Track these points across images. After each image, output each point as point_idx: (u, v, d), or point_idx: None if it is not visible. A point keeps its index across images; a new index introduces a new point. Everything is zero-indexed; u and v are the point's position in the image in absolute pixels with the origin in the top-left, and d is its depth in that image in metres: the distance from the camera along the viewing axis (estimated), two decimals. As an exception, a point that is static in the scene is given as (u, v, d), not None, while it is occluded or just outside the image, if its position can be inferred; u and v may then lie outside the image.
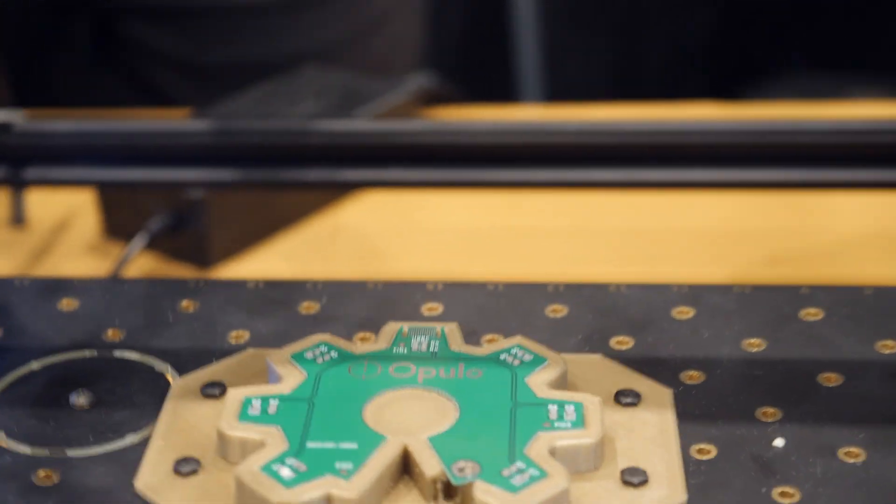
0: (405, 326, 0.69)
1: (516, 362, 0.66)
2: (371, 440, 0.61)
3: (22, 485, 0.62)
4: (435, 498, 0.60)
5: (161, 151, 0.76)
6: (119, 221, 1.01)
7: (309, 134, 0.75)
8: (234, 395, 0.64)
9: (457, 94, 1.13)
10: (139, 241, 0.95)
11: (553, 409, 0.63)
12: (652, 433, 0.64)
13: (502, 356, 0.66)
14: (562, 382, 0.65)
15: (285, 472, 0.59)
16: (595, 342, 0.71)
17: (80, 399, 0.67)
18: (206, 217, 0.96)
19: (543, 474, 0.59)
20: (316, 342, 0.67)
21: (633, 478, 0.61)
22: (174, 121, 0.89)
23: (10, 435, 0.65)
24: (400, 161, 0.73)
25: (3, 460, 0.63)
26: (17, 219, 1.04)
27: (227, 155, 0.77)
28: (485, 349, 0.67)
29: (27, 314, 0.74)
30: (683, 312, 0.73)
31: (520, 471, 0.59)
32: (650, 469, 0.61)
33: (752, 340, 0.70)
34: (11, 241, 1.01)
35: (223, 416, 0.63)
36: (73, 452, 0.64)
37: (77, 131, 0.75)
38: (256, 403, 0.63)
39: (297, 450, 0.61)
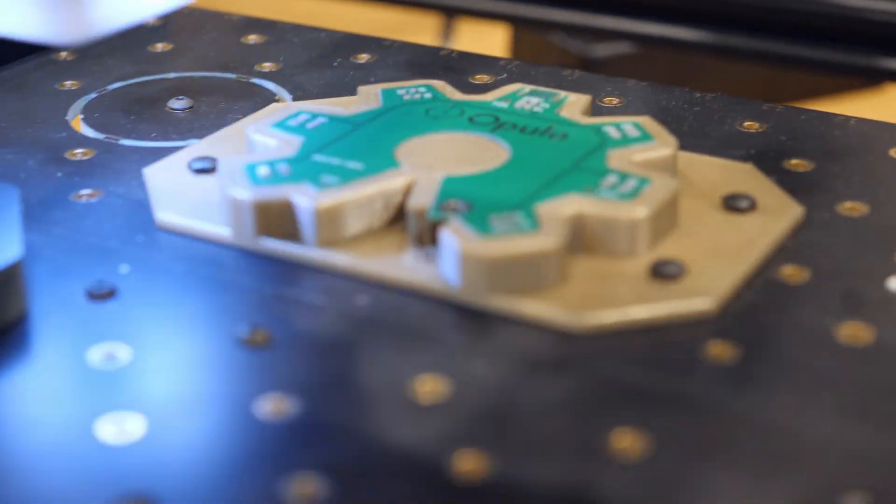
0: (527, 87, 0.57)
1: (617, 135, 0.53)
2: (381, 165, 0.51)
3: (57, 157, 0.57)
4: (420, 239, 0.48)
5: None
6: None
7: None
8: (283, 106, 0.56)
9: None
10: None
11: (611, 178, 0.49)
12: (737, 240, 0.49)
13: (606, 128, 0.53)
14: (663, 168, 0.51)
15: (262, 171, 0.50)
16: (769, 159, 0.55)
17: (177, 105, 0.62)
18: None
19: (531, 228, 0.46)
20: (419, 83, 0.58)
21: (660, 269, 0.47)
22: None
23: (87, 122, 0.60)
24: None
25: (69, 138, 0.59)
26: None
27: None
28: (594, 119, 0.54)
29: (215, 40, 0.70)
30: (903, 153, 0.56)
31: (509, 220, 0.47)
32: (694, 269, 0.47)
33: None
34: None
35: (260, 118, 0.55)
36: (126, 141, 0.58)
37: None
38: (303, 117, 0.55)
39: (298, 158, 0.51)
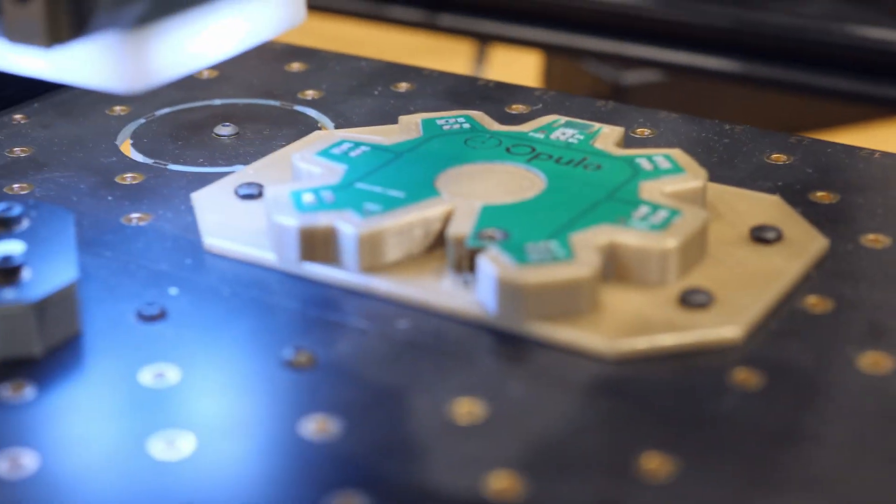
0: (562, 119, 0.59)
1: (649, 167, 0.54)
2: (422, 194, 0.53)
3: (108, 181, 0.60)
4: (458, 265, 0.50)
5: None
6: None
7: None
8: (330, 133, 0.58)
9: None
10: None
11: (643, 209, 0.51)
12: (763, 270, 0.50)
13: (639, 160, 0.55)
14: (693, 199, 0.53)
15: (307, 198, 0.52)
16: (795, 191, 0.57)
17: (223, 131, 0.64)
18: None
19: (566, 256, 0.48)
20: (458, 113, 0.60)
21: (690, 298, 0.49)
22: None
23: (136, 147, 0.63)
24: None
25: (118, 163, 0.61)
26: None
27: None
28: (627, 151, 0.56)
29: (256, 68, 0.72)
30: (927, 187, 0.58)
31: (545, 249, 0.49)
32: (722, 298, 0.49)
33: None
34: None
35: (304, 146, 0.57)
36: (174, 166, 0.61)
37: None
38: (346, 146, 0.57)
39: (341, 185, 0.53)
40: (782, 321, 0.48)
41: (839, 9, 0.99)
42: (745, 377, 0.45)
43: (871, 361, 0.46)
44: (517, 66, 1.48)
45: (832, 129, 1.36)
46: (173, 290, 0.51)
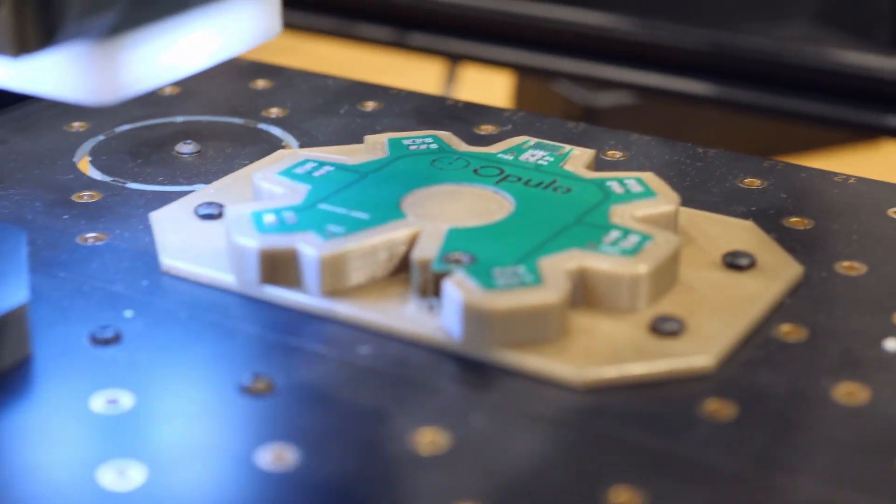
0: (532, 140, 0.58)
1: (620, 190, 0.53)
2: (387, 216, 0.51)
3: (64, 200, 0.58)
4: (423, 290, 0.49)
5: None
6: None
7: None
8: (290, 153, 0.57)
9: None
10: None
11: (614, 234, 0.50)
12: (736, 297, 0.49)
13: (609, 183, 0.54)
14: (664, 224, 0.52)
15: (269, 219, 0.51)
16: (769, 216, 0.56)
17: (184, 149, 0.62)
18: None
19: (534, 282, 0.47)
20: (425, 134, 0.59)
21: (661, 326, 0.47)
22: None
23: (95, 164, 0.61)
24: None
25: (76, 180, 0.60)
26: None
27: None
28: (598, 174, 0.55)
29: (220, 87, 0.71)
30: (902, 213, 0.57)
31: (512, 274, 0.47)
32: (694, 325, 0.47)
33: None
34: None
35: (267, 165, 0.56)
36: (133, 184, 0.59)
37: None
38: (310, 165, 0.55)
39: (304, 206, 0.52)
40: (755, 349, 0.47)
41: (814, 32, 0.99)
42: (716, 407, 0.44)
43: (846, 391, 0.45)
44: (487, 88, 1.47)
45: (807, 153, 1.36)
46: (128, 313, 0.49)
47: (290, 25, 1.03)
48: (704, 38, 0.96)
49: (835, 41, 0.93)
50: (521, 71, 1.17)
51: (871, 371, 0.46)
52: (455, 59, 1.12)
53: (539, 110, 1.09)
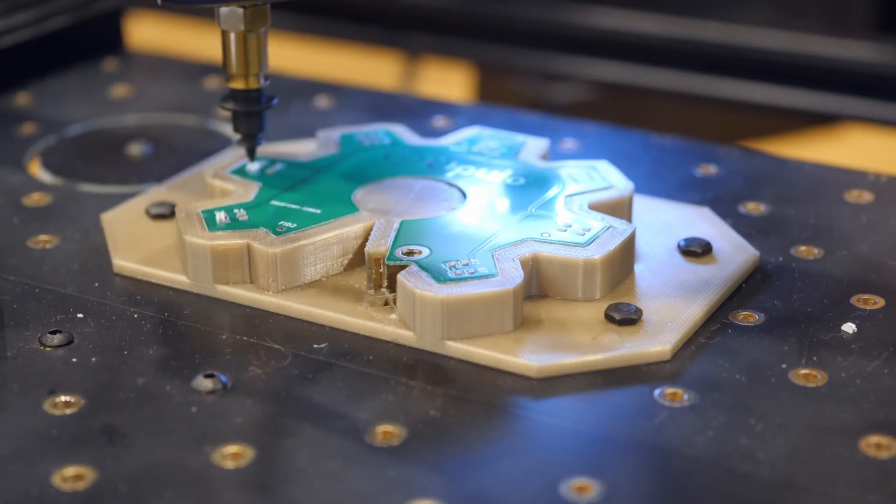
0: (485, 131, 0.57)
1: (574, 179, 0.53)
2: (339, 210, 0.51)
3: (13, 203, 0.57)
4: (377, 284, 0.48)
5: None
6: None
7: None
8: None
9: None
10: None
11: (568, 223, 0.49)
12: (692, 284, 0.49)
13: (563, 171, 0.54)
14: (619, 212, 0.52)
15: (220, 217, 0.50)
16: (725, 203, 0.56)
17: (135, 149, 0.62)
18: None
19: (490, 274, 0.46)
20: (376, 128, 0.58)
21: (616, 314, 0.47)
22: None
23: (45, 167, 0.60)
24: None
25: (26, 183, 0.59)
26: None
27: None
28: (552, 164, 0.55)
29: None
30: (858, 196, 0.56)
31: (466, 266, 0.47)
32: (650, 313, 0.47)
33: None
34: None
35: (218, 163, 0.56)
36: (84, 186, 0.58)
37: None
38: (261, 162, 0.55)
39: (256, 203, 0.51)
40: (712, 335, 0.47)
41: (772, 17, 0.98)
42: (673, 394, 0.44)
43: (803, 375, 0.45)
44: (446, 86, 1.47)
45: (764, 138, 1.36)
46: (80, 315, 0.48)
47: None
48: (662, 25, 0.96)
49: (791, 26, 0.93)
50: (477, 64, 1.16)
51: (828, 355, 0.45)
52: (413, 51, 1.12)
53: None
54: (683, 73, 0.96)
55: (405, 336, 0.47)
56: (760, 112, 1.06)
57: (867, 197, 0.56)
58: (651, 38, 0.96)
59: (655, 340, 0.46)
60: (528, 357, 0.45)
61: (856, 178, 0.58)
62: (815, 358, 0.45)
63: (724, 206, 0.56)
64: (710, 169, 0.59)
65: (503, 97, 1.21)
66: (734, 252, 0.51)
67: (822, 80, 0.93)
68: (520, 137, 0.57)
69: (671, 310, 0.48)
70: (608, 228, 0.49)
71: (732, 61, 0.95)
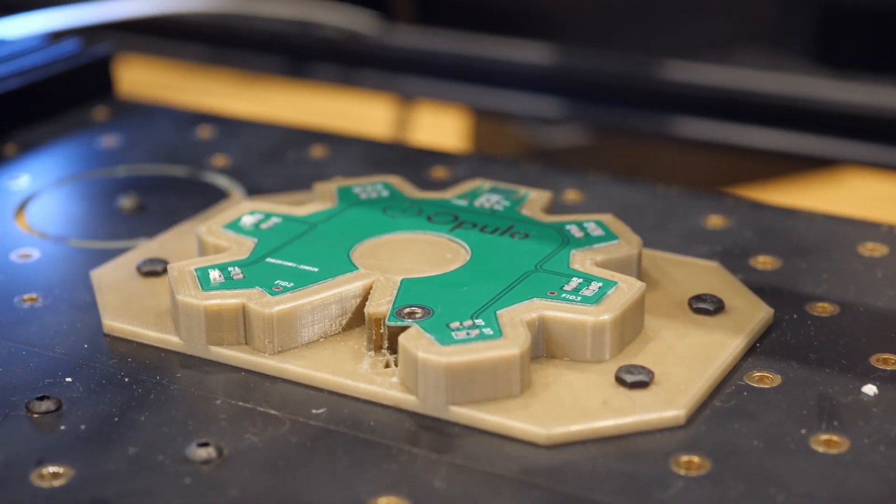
0: (487, 184, 0.56)
1: (579, 234, 0.51)
2: (338, 268, 0.49)
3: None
4: (378, 346, 0.47)
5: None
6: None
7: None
8: (241, 204, 0.54)
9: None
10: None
11: (575, 281, 0.48)
12: (705, 344, 0.47)
13: (569, 227, 0.52)
14: (627, 268, 0.50)
15: (214, 276, 0.49)
16: (735, 256, 0.54)
17: (126, 202, 0.60)
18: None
19: (495, 336, 0.45)
20: (379, 181, 0.57)
21: (627, 376, 0.45)
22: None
23: (33, 220, 0.59)
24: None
25: (13, 237, 0.58)
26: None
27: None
28: (556, 217, 0.53)
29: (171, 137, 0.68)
30: (872, 249, 0.55)
31: (471, 327, 0.45)
32: (662, 375, 0.45)
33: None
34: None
35: (212, 217, 0.54)
36: (73, 241, 0.57)
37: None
38: (256, 217, 0.53)
39: (251, 261, 0.50)
40: (727, 398, 0.45)
41: (769, 59, 0.97)
42: (688, 461, 0.42)
43: (824, 441, 0.43)
44: (440, 132, 1.45)
45: (765, 182, 1.35)
46: (68, 379, 0.47)
47: (229, 65, 1.01)
48: (657, 70, 0.94)
49: (787, 68, 0.92)
50: (473, 110, 1.15)
51: (849, 419, 0.44)
52: (407, 96, 1.10)
53: (494, 151, 1.07)
54: (679, 117, 0.94)
55: (407, 401, 0.45)
56: (750, 156, 1.04)
57: (882, 250, 0.55)
58: (646, 81, 0.94)
59: (669, 404, 0.44)
60: (537, 423, 0.43)
61: (868, 230, 0.56)
62: (835, 423, 0.44)
63: (735, 260, 0.54)
64: (719, 220, 0.57)
65: (498, 143, 1.19)
66: (747, 309, 0.50)
67: (818, 123, 0.91)
68: (522, 190, 0.55)
69: (684, 371, 0.46)
70: (617, 286, 0.47)
71: (725, 104, 0.93)
